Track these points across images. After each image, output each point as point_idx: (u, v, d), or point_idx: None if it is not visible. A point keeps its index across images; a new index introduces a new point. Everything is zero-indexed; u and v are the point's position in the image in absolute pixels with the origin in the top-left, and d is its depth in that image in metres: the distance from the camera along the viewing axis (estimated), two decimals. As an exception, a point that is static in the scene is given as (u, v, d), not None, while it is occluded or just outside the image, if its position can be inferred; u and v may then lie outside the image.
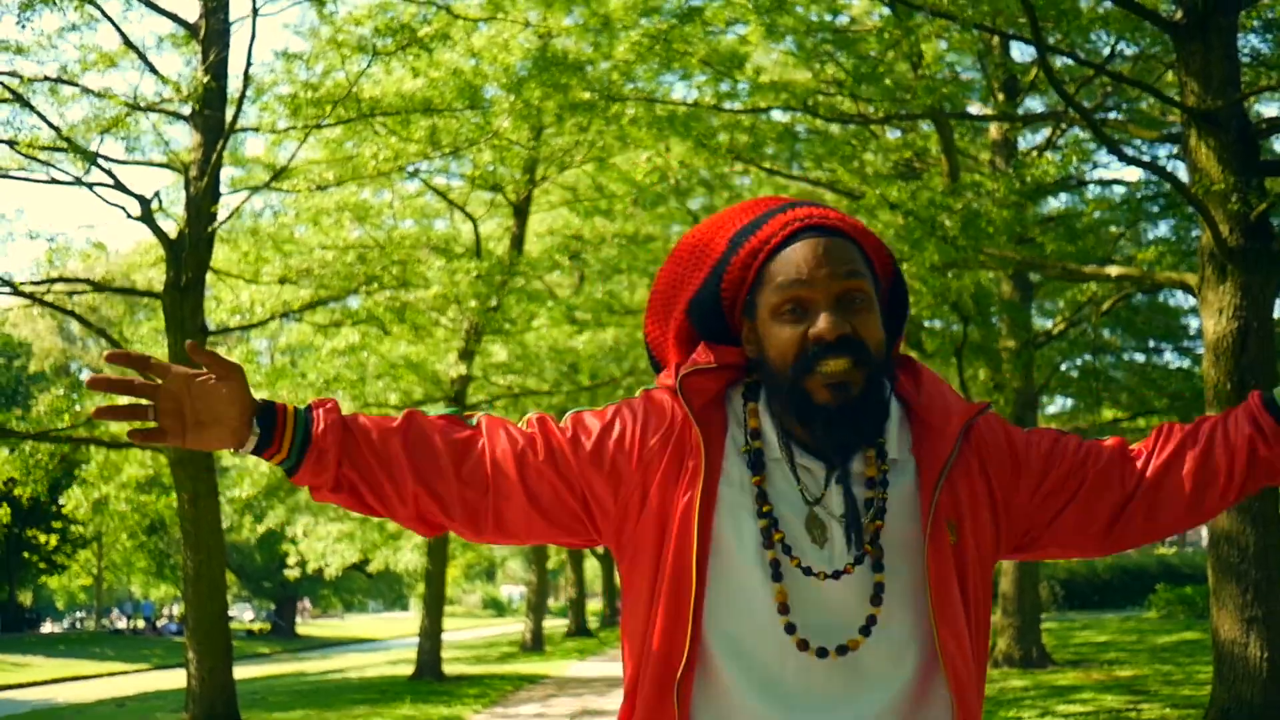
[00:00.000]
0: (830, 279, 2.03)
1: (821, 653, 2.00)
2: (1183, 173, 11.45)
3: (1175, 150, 15.87)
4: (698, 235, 2.25)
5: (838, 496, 2.05)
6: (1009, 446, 2.15)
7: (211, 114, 13.63)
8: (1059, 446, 2.18)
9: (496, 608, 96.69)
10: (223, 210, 13.89)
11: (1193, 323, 22.68)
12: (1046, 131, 18.05)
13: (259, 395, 2.31)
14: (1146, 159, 14.56)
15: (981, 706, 2.10)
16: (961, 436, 2.08)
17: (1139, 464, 2.18)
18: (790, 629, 2.00)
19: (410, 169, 18.82)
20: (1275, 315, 10.35)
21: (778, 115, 16.59)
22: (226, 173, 15.43)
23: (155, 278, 16.75)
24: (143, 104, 13.47)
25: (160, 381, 2.02)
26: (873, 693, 2.02)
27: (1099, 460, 2.17)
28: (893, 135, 19.36)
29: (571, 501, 2.14)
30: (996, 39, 15.99)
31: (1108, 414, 23.38)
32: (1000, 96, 16.55)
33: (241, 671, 17.12)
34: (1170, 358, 23.67)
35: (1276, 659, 9.55)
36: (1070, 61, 14.65)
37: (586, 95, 13.31)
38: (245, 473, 17.61)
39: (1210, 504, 2.16)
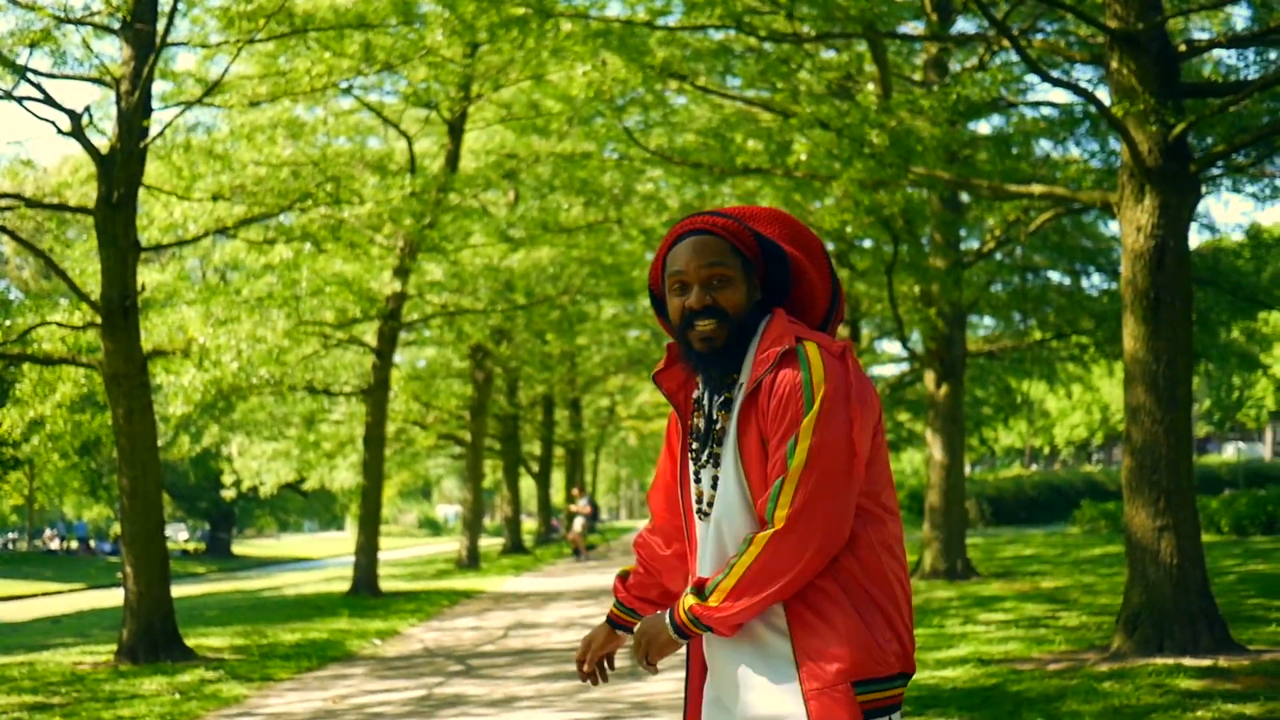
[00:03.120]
0: (700, 268, 3.01)
1: (702, 515, 3.10)
2: (1106, 95, 11.64)
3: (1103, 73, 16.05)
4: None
5: (704, 416, 3.13)
6: (774, 408, 2.93)
7: (142, 27, 13.47)
8: (776, 448, 2.94)
9: (432, 527, 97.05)
10: (155, 125, 13.78)
11: (1117, 245, 23.00)
12: (980, 53, 18.22)
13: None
14: (1073, 80, 14.75)
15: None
16: (759, 380, 2.95)
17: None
18: (698, 501, 3.12)
19: (344, 85, 18.72)
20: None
21: (713, 33, 16.61)
22: (158, 87, 15.24)
23: (87, 194, 16.62)
24: (71, 16, 13.28)
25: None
26: (725, 532, 3.03)
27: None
28: (829, 54, 19.43)
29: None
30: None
31: (1036, 334, 23.76)
32: (934, 17, 16.66)
33: (178, 590, 17.23)
34: (1097, 279, 24.04)
35: (1185, 564, 9.91)
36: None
37: (520, 10, 13.27)
38: (179, 390, 17.56)
39: None
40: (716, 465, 3.04)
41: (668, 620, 3.03)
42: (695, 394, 3.13)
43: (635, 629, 3.13)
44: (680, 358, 3.12)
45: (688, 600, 2.97)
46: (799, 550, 2.83)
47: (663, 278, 3.11)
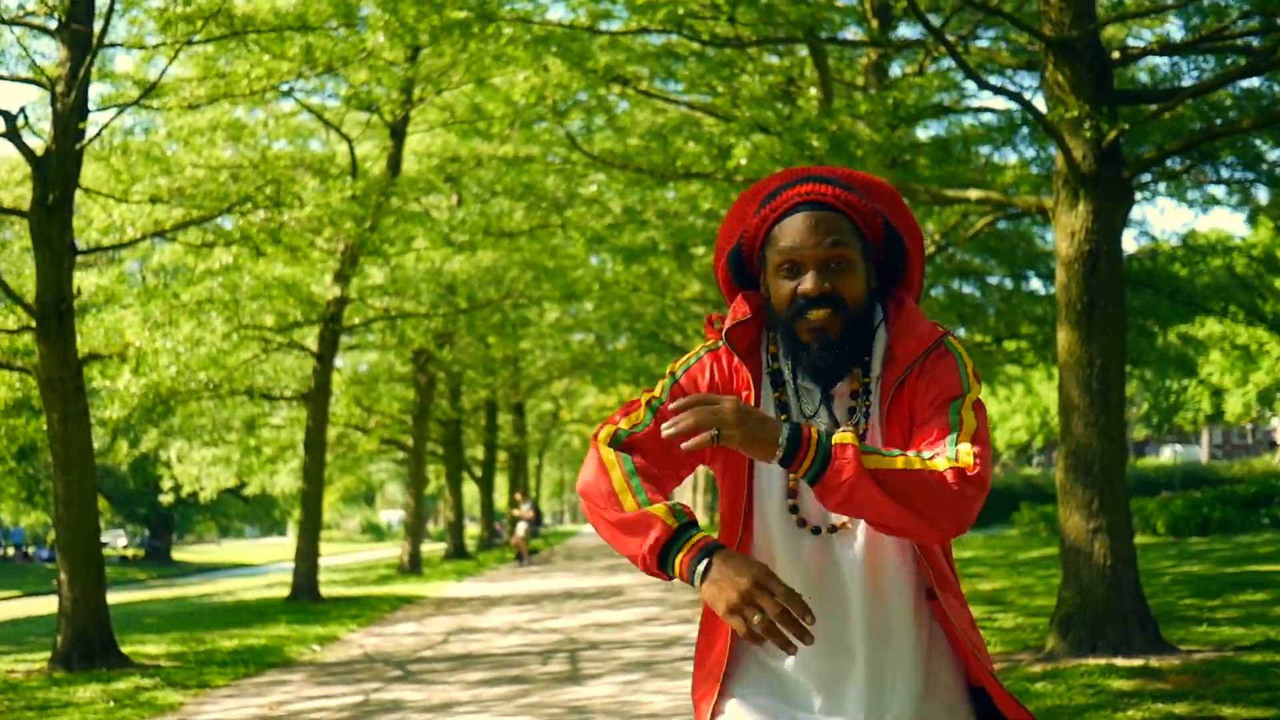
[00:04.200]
0: (817, 247, 2.54)
1: (815, 531, 2.57)
2: (1043, 101, 11.77)
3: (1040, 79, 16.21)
4: (742, 196, 2.77)
5: (824, 411, 2.60)
6: (925, 389, 2.54)
7: (79, 28, 13.33)
8: (932, 416, 2.50)
9: (375, 532, 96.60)
10: (92, 127, 13.65)
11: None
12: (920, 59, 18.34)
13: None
14: (1011, 87, 14.91)
15: (947, 562, 2.63)
16: (914, 365, 2.55)
17: None
18: (793, 510, 2.58)
19: (284, 88, 18.60)
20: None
21: (654, 38, 16.65)
22: (96, 89, 15.11)
23: (22, 196, 16.43)
24: (6, 16, 13.14)
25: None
26: (856, 559, 2.55)
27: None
28: (771, 59, 19.51)
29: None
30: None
31: (977, 338, 23.94)
32: (874, 23, 16.78)
33: (116, 597, 17.05)
34: (1036, 284, 24.27)
35: (1118, 566, 10.03)
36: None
37: (461, 14, 13.24)
38: (115, 394, 17.39)
39: None
40: None
41: (789, 430, 2.34)
42: (773, 366, 2.65)
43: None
44: (786, 346, 2.61)
45: (845, 435, 2.36)
46: (973, 502, 2.37)
47: (761, 245, 2.65)
